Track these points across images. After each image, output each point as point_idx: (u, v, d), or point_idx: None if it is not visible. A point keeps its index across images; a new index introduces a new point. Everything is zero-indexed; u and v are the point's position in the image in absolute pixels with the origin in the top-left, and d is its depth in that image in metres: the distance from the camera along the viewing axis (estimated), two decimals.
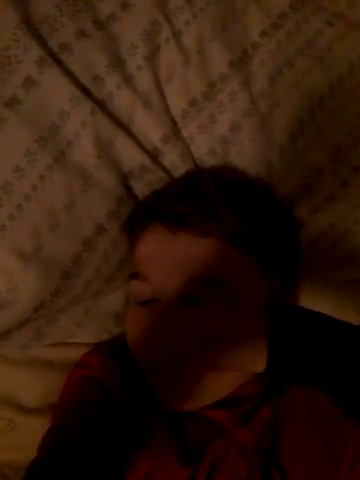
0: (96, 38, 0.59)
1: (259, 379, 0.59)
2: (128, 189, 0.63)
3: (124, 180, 0.62)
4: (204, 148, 0.64)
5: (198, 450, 0.54)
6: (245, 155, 0.64)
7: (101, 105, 0.60)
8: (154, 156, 0.63)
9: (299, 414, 0.58)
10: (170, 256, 0.54)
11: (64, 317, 0.65)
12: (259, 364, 0.44)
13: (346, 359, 0.43)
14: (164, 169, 0.63)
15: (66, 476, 0.41)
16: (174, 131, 0.63)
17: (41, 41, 0.57)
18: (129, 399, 0.55)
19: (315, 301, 0.70)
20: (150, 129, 0.62)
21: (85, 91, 0.59)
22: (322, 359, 0.43)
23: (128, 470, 0.50)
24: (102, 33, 0.60)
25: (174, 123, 0.63)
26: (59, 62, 0.57)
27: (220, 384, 0.55)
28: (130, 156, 0.61)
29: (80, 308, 0.66)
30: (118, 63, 0.60)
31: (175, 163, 0.63)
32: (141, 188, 0.63)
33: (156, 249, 0.56)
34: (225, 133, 0.63)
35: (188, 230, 0.53)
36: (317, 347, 0.43)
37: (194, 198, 0.55)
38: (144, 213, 0.59)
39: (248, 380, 0.58)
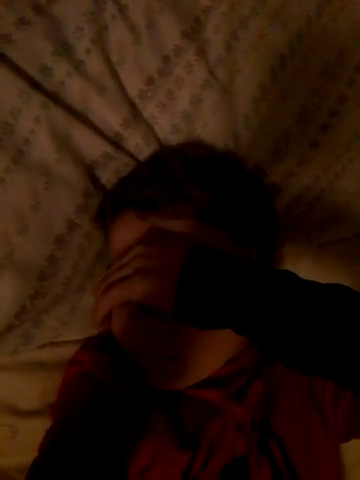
0: (37, 25, 0.55)
1: (249, 353, 0.60)
2: (95, 180, 0.61)
3: (89, 171, 0.60)
4: (167, 127, 0.62)
5: (195, 432, 0.55)
6: (210, 128, 0.62)
7: (53, 97, 0.57)
8: (116, 142, 0.61)
9: (288, 380, 0.60)
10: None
11: (49, 318, 0.64)
12: (169, 303, 0.45)
13: (260, 306, 0.42)
14: (129, 154, 0.61)
15: (67, 474, 0.42)
16: (134, 114, 0.60)
17: None
18: (124, 391, 0.55)
19: (299, 265, 0.70)
20: (108, 115, 0.59)
21: (34, 84, 0.56)
22: (233, 304, 0.43)
23: (130, 461, 0.51)
24: (43, 18, 0.56)
25: (133, 105, 0.61)
26: (2, 56, 0.54)
27: (207, 360, 0.55)
28: (91, 146, 0.59)
29: (64, 306, 0.65)
30: (65, 49, 0.57)
31: (139, 146, 0.61)
32: (108, 177, 0.61)
33: (129, 237, 0.55)
34: (186, 108, 0.61)
35: (158, 213, 0.53)
36: (228, 292, 0.43)
37: (161, 180, 0.54)
38: (113, 203, 0.57)
39: (238, 354, 0.59)
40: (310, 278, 0.69)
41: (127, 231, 0.55)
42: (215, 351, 0.55)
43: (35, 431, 0.61)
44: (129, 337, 0.56)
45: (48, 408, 0.65)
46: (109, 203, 0.58)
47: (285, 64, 0.64)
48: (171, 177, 0.54)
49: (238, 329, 0.44)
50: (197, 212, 0.52)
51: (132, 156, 0.62)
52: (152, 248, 0.49)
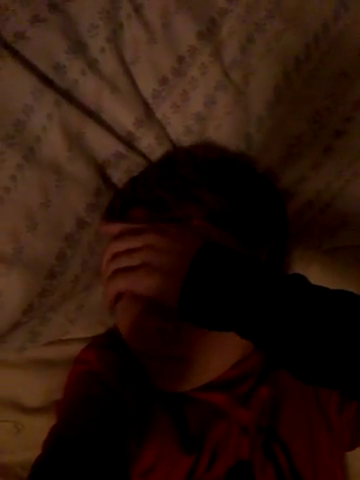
0: (52, 22, 0.56)
1: (256, 356, 0.60)
2: (106, 179, 0.61)
3: (100, 170, 0.60)
4: (180, 127, 0.62)
5: (200, 435, 0.55)
6: (223, 130, 0.62)
7: (66, 95, 0.57)
8: (129, 142, 0.60)
9: (294, 386, 0.59)
10: None
11: (57, 315, 0.64)
12: (173, 300, 0.44)
13: (266, 311, 0.41)
14: (141, 154, 0.61)
15: (69, 473, 0.41)
16: (147, 113, 0.60)
17: None
18: (129, 391, 0.55)
19: (309, 271, 0.69)
20: (121, 114, 0.59)
21: (47, 81, 0.56)
22: (239, 307, 0.42)
23: (133, 461, 0.51)
24: (58, 16, 0.56)
25: (146, 105, 0.60)
26: (15, 53, 0.54)
27: (214, 363, 0.55)
28: (103, 145, 0.59)
29: (72, 304, 0.65)
30: (79, 47, 0.57)
31: (151, 146, 0.61)
32: (119, 176, 0.61)
33: None
34: (200, 109, 0.61)
35: (168, 215, 0.52)
36: (235, 294, 0.42)
37: (172, 181, 0.54)
38: (122, 202, 0.57)
39: (244, 358, 0.58)
40: (319, 284, 0.69)
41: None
42: (222, 354, 0.55)
43: (40, 428, 0.61)
44: (135, 337, 0.55)
45: (53, 405, 0.65)
46: (119, 202, 0.58)
47: (300, 68, 0.63)
48: (181, 178, 0.54)
49: (243, 333, 0.43)
50: (207, 214, 0.52)
51: (144, 156, 0.62)
52: (164, 240, 0.48)
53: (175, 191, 0.52)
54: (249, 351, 0.60)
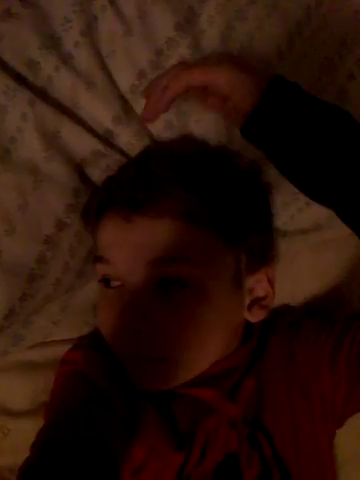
0: (25, 17, 0.54)
1: (242, 350, 0.60)
2: (85, 178, 0.59)
3: (79, 170, 0.58)
4: (160, 122, 0.59)
5: (189, 431, 0.55)
6: (203, 124, 0.60)
7: (41, 92, 0.55)
8: (107, 139, 0.59)
9: (277, 374, 0.60)
10: (129, 243, 0.52)
11: (40, 318, 0.63)
12: (247, 100, 0.47)
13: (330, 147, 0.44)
14: (120, 151, 0.59)
15: (58, 474, 0.42)
16: (125, 109, 0.58)
17: None
18: (116, 390, 0.54)
19: (295, 264, 0.69)
20: (98, 111, 0.57)
21: (21, 79, 0.54)
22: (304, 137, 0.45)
23: (124, 460, 0.51)
24: (30, 10, 0.54)
25: (124, 101, 0.58)
26: None
27: (192, 362, 0.54)
28: (80, 143, 0.57)
29: (55, 306, 0.64)
30: (53, 42, 0.55)
31: (131, 143, 0.59)
32: (99, 175, 0.59)
33: (114, 238, 0.54)
34: (179, 103, 0.59)
35: (143, 214, 0.51)
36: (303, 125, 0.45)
37: (145, 180, 0.52)
38: (98, 204, 0.56)
39: (229, 354, 0.58)
40: (306, 277, 0.69)
41: (111, 232, 0.54)
42: (201, 353, 0.54)
43: (27, 431, 0.60)
44: (113, 337, 0.55)
45: (40, 408, 0.64)
46: (94, 203, 0.56)
47: (282, 57, 0.61)
48: (155, 177, 0.52)
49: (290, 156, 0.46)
50: (181, 212, 0.51)
51: (124, 153, 0.60)
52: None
53: (148, 190, 0.51)
54: (233, 348, 0.59)
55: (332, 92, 0.63)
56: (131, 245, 0.52)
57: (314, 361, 0.59)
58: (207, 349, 0.54)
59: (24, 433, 0.62)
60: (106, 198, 0.55)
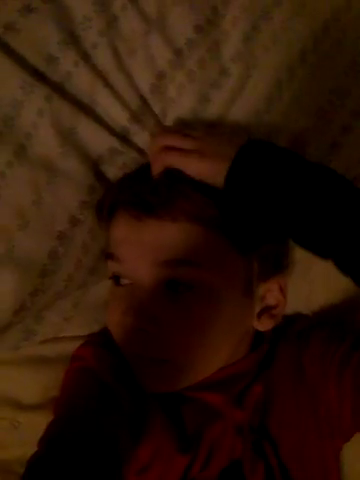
0: (44, 12, 0.53)
1: (251, 357, 0.59)
2: (100, 175, 0.59)
3: (94, 167, 0.58)
4: (176, 123, 0.59)
5: (195, 435, 0.55)
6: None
7: (59, 88, 0.55)
8: (124, 137, 0.58)
9: (285, 383, 0.59)
10: (139, 243, 0.52)
11: (51, 313, 0.63)
12: (219, 177, 0.48)
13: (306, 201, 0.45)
14: (137, 149, 0.59)
15: (64, 470, 0.42)
16: (143, 109, 0.58)
17: None
18: (125, 388, 0.54)
19: (311, 272, 0.67)
20: (116, 109, 0.57)
21: (38, 75, 0.54)
22: (280, 186, 0.46)
23: (129, 459, 0.51)
24: (50, 6, 0.53)
25: (143, 100, 0.58)
26: (4, 45, 0.52)
27: (198, 366, 0.54)
28: (97, 140, 0.57)
29: (67, 302, 0.64)
30: (72, 39, 0.54)
31: (148, 142, 0.59)
32: (115, 172, 0.59)
33: (125, 236, 0.54)
34: (195, 105, 0.58)
35: (155, 217, 0.51)
36: (278, 177, 0.46)
37: (159, 182, 0.52)
38: (110, 203, 0.56)
39: (236, 360, 0.58)
40: (322, 285, 0.67)
41: (123, 231, 0.54)
42: (206, 357, 0.54)
43: (37, 425, 0.60)
44: (119, 335, 0.55)
45: (50, 402, 0.64)
46: (107, 202, 0.56)
47: (305, 60, 0.60)
48: (169, 179, 0.52)
49: (280, 213, 0.46)
50: (194, 215, 0.51)
51: (140, 151, 0.59)
52: (215, 137, 0.52)
53: (161, 193, 0.51)
54: (241, 355, 0.59)
55: (354, 96, 0.61)
56: (141, 244, 0.52)
57: (321, 373, 0.57)
58: (213, 354, 0.54)
59: (34, 427, 0.62)
60: (119, 197, 0.55)
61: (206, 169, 0.49)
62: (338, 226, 0.44)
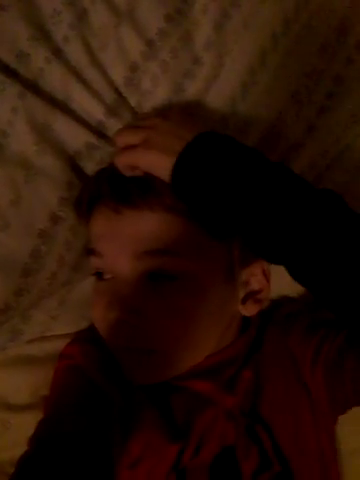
0: (14, 8, 0.53)
1: (240, 341, 0.59)
2: (78, 171, 0.58)
3: (72, 162, 0.57)
4: (152, 114, 0.59)
5: (186, 424, 0.55)
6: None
7: (32, 85, 0.54)
8: (100, 132, 0.58)
9: (275, 367, 0.59)
10: (118, 235, 0.52)
11: (38, 312, 0.63)
12: (167, 173, 0.47)
13: (251, 200, 0.43)
14: (113, 143, 0.58)
15: (55, 468, 0.42)
16: (118, 102, 0.58)
17: None
18: (113, 383, 0.55)
19: None
20: (91, 103, 0.56)
21: (11, 72, 0.53)
22: (227, 187, 0.44)
23: (120, 454, 0.51)
24: (20, 1, 0.53)
25: (118, 93, 0.58)
26: None
27: (183, 355, 0.54)
28: (73, 136, 0.56)
29: (53, 301, 0.64)
30: (43, 34, 0.54)
31: None
32: (92, 167, 0.59)
33: (104, 230, 0.53)
34: (170, 96, 0.58)
35: (132, 207, 0.51)
36: (225, 175, 0.44)
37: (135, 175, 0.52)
38: (89, 196, 0.55)
39: (227, 344, 0.58)
40: None
41: (102, 224, 0.54)
42: (192, 346, 0.54)
43: (27, 425, 0.60)
44: (103, 328, 0.55)
45: (40, 402, 0.64)
46: (85, 196, 0.56)
47: (277, 44, 0.60)
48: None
49: (224, 213, 0.45)
50: (170, 205, 0.50)
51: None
52: (166, 123, 0.50)
53: (138, 183, 0.51)
54: (230, 341, 0.59)
55: (328, 78, 0.62)
56: (120, 237, 0.51)
57: (302, 360, 0.58)
58: (199, 342, 0.54)
59: (25, 427, 0.61)
60: (97, 190, 0.54)
61: (152, 162, 0.48)
62: (288, 232, 0.41)
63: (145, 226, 0.51)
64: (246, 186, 0.43)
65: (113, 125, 0.58)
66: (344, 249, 0.39)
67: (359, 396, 0.52)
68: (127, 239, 0.51)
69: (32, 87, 0.54)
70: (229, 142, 0.46)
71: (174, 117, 0.52)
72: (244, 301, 0.57)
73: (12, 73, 0.53)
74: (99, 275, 0.55)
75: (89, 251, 0.55)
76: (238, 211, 0.44)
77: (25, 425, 0.61)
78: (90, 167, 0.59)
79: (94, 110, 0.57)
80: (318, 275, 0.41)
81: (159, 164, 0.47)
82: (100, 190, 0.53)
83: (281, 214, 0.41)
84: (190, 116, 0.58)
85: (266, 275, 0.57)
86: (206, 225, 0.51)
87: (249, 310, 0.57)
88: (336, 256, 0.40)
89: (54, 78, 0.55)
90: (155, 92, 0.58)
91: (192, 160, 0.45)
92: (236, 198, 0.43)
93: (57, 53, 0.55)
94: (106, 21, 0.56)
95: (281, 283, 0.62)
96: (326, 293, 0.41)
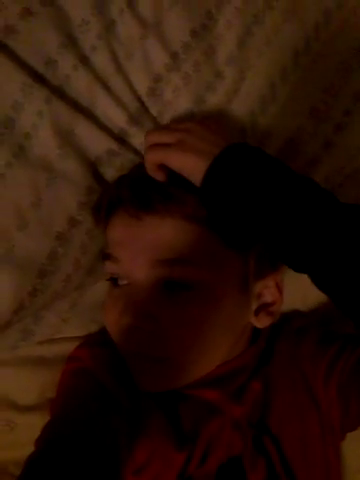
0: (44, 16, 0.54)
1: (250, 352, 0.59)
2: (98, 177, 0.59)
3: (92, 168, 0.59)
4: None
5: (193, 432, 0.55)
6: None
7: (58, 91, 0.56)
8: (121, 139, 0.59)
9: (284, 380, 0.60)
10: (137, 241, 0.52)
11: (50, 314, 0.64)
12: (197, 176, 0.47)
13: (282, 213, 0.43)
14: (134, 151, 0.60)
15: (62, 470, 0.42)
16: (141, 111, 0.59)
17: None
18: (121, 388, 0.55)
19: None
20: (114, 111, 0.58)
21: (38, 77, 0.55)
22: (258, 195, 0.44)
23: (126, 459, 0.51)
24: (49, 9, 0.55)
25: (140, 102, 0.59)
26: (5, 48, 0.53)
27: (195, 364, 0.54)
28: (95, 142, 0.57)
29: (65, 303, 0.65)
30: (71, 42, 0.55)
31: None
32: (112, 173, 0.60)
33: (122, 236, 0.54)
34: (191, 107, 0.60)
35: (152, 213, 0.51)
36: (256, 184, 0.44)
37: (156, 181, 0.53)
38: (108, 202, 0.56)
39: (235, 356, 0.58)
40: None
41: (121, 229, 0.54)
42: (203, 355, 0.54)
43: (33, 426, 0.60)
44: (116, 334, 0.55)
45: (47, 403, 0.65)
46: (105, 202, 0.56)
47: (298, 61, 0.62)
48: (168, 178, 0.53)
49: (254, 223, 0.45)
50: (189, 215, 0.51)
51: (138, 153, 0.60)
52: (201, 128, 0.51)
53: (159, 190, 0.51)
54: (240, 351, 0.59)
55: (346, 95, 0.63)
56: (139, 243, 0.52)
57: (313, 374, 0.59)
58: (210, 352, 0.54)
59: (31, 427, 0.62)
60: (117, 196, 0.55)
61: (186, 163, 0.48)
62: (314, 242, 0.41)
63: (165, 233, 0.51)
64: (277, 195, 0.43)
65: (134, 133, 0.59)
66: None
67: None
68: (146, 245, 0.51)
69: (58, 92, 0.56)
70: (262, 153, 0.47)
71: (209, 124, 0.52)
72: (257, 313, 0.57)
73: (40, 78, 0.55)
74: (114, 281, 0.55)
75: (105, 256, 0.55)
76: (266, 219, 0.44)
77: (31, 426, 0.62)
78: (110, 173, 0.60)
79: (117, 118, 0.58)
80: (342, 284, 0.41)
81: (192, 165, 0.47)
82: (120, 195, 0.54)
83: (309, 223, 0.42)
84: (225, 126, 0.59)
85: (279, 288, 0.57)
86: (226, 234, 0.52)
87: (261, 322, 0.57)
88: None
89: (80, 85, 0.56)
90: (177, 103, 0.59)
91: (226, 166, 0.45)
92: (266, 206, 0.44)
93: (84, 61, 0.56)
94: (133, 32, 0.57)
95: (293, 297, 0.62)
96: (349, 302, 0.42)
